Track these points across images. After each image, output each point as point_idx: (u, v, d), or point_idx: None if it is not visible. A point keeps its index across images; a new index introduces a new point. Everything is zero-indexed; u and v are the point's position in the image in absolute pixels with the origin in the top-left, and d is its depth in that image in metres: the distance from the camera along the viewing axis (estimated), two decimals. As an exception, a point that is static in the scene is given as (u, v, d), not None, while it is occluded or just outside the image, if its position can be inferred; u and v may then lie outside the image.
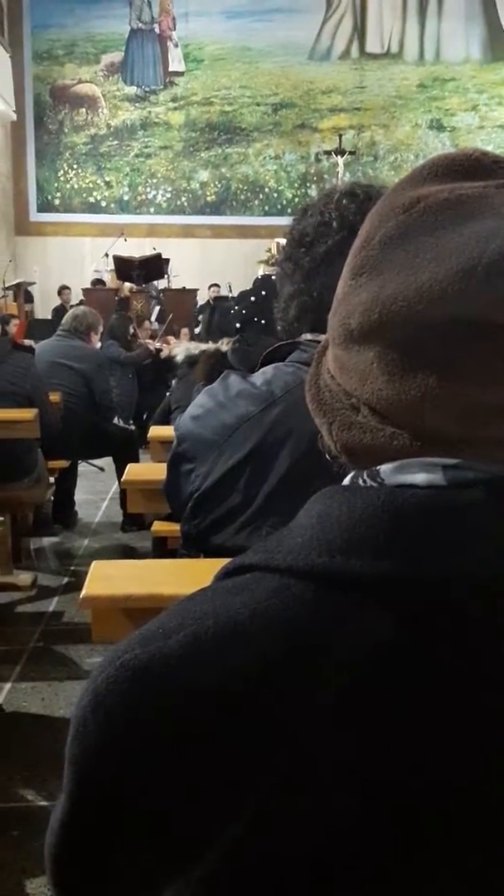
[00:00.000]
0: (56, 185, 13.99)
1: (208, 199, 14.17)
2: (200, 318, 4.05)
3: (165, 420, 4.39)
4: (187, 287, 10.98)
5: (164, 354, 7.52)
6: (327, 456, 0.53)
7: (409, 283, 0.45)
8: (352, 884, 0.43)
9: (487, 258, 0.44)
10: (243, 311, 2.52)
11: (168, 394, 4.89)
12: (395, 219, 0.48)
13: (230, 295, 9.92)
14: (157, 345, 7.87)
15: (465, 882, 0.43)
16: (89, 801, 0.48)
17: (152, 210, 14.11)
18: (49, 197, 13.97)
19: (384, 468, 0.48)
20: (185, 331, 8.81)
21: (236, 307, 2.66)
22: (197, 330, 8.60)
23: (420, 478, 0.47)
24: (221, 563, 0.52)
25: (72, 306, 7.92)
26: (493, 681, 0.44)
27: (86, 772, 0.47)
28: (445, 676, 0.44)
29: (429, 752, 0.43)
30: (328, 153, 13.16)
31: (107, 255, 11.02)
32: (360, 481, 0.50)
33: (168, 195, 14.14)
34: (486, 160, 0.50)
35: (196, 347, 3.32)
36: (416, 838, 0.43)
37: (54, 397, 4.22)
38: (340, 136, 13.18)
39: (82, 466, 5.29)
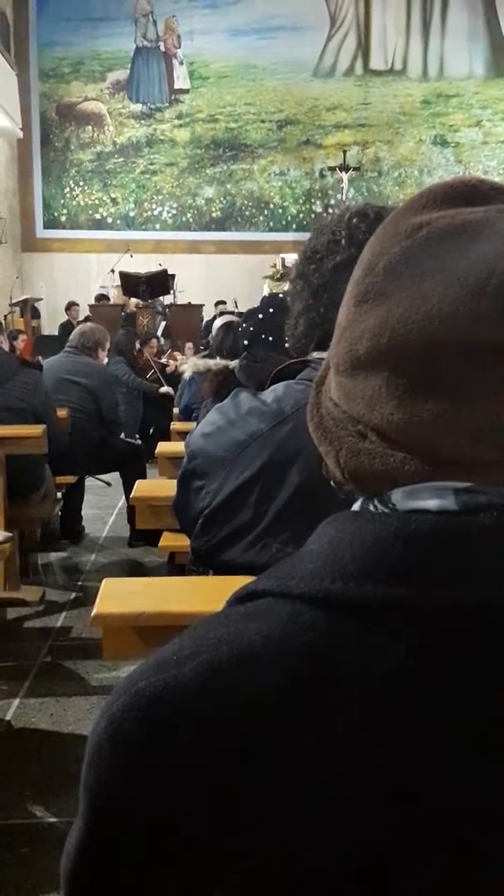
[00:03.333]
0: (62, 201, 14.07)
1: (213, 214, 14.24)
2: (212, 336, 4.06)
3: (189, 415, 4.33)
4: (193, 302, 11.03)
5: (170, 370, 7.54)
6: (332, 483, 0.53)
7: (417, 307, 0.45)
8: None
9: (497, 279, 0.44)
10: (251, 329, 2.53)
11: (179, 396, 4.86)
12: (398, 245, 0.48)
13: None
14: (164, 360, 7.90)
15: None
16: (105, 828, 0.48)
17: (158, 226, 14.18)
18: (55, 214, 14.06)
19: (396, 494, 0.48)
20: (189, 345, 8.83)
21: (244, 324, 2.66)
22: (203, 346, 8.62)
23: (432, 503, 0.46)
24: (232, 580, 0.52)
25: (79, 322, 7.95)
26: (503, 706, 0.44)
27: (101, 798, 0.47)
28: (458, 704, 0.44)
29: (444, 779, 0.43)
30: (332, 169, 13.23)
31: (113, 270, 11.07)
32: (371, 507, 0.49)
33: (173, 211, 14.21)
34: (483, 187, 0.51)
35: (204, 364, 3.33)
36: (431, 863, 0.43)
37: (62, 413, 4.23)
38: (345, 152, 13.24)
39: (89, 481, 5.29)
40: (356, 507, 0.52)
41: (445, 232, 0.47)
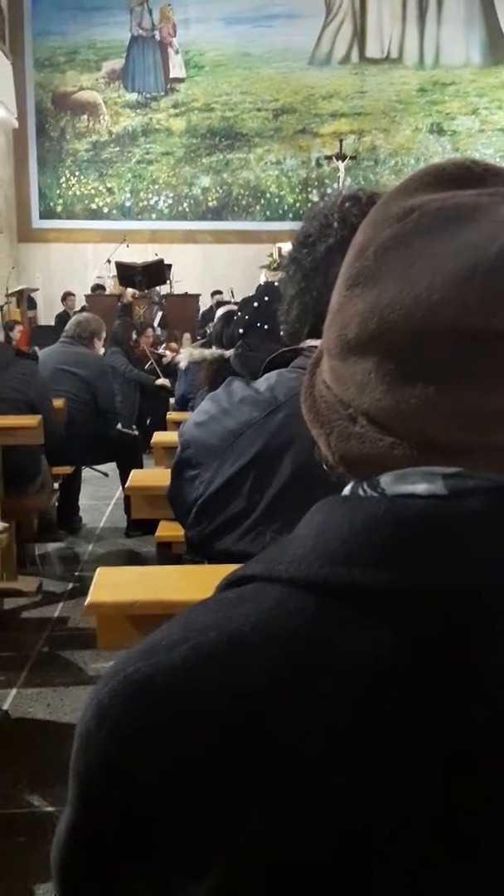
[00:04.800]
0: (58, 191, 14.01)
1: (210, 204, 14.18)
2: (210, 326, 4.05)
3: (185, 405, 4.36)
4: (189, 292, 11.00)
5: (166, 360, 7.53)
6: (324, 466, 0.53)
7: (406, 292, 0.45)
8: (355, 887, 0.44)
9: (485, 265, 0.44)
10: (246, 317, 2.52)
11: (177, 385, 4.88)
12: (389, 228, 0.48)
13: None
14: (160, 351, 7.88)
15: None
16: (94, 814, 0.48)
17: (154, 216, 14.13)
18: (51, 204, 13.99)
19: (384, 478, 0.48)
20: (186, 336, 8.82)
21: (239, 313, 2.65)
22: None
23: (421, 487, 0.46)
24: (226, 568, 0.52)
25: (75, 313, 7.93)
26: (496, 691, 0.44)
27: (90, 784, 0.47)
28: (447, 687, 0.44)
29: (434, 763, 0.43)
30: (329, 158, 13.18)
31: (109, 261, 11.04)
32: (361, 491, 0.50)
33: (170, 201, 14.16)
34: (476, 168, 0.50)
35: (199, 354, 3.32)
36: (421, 849, 0.43)
37: (58, 403, 4.23)
38: (341, 140, 13.19)
39: (86, 472, 5.29)
40: (346, 491, 0.51)
41: (437, 215, 0.47)
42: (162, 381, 7.13)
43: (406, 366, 0.46)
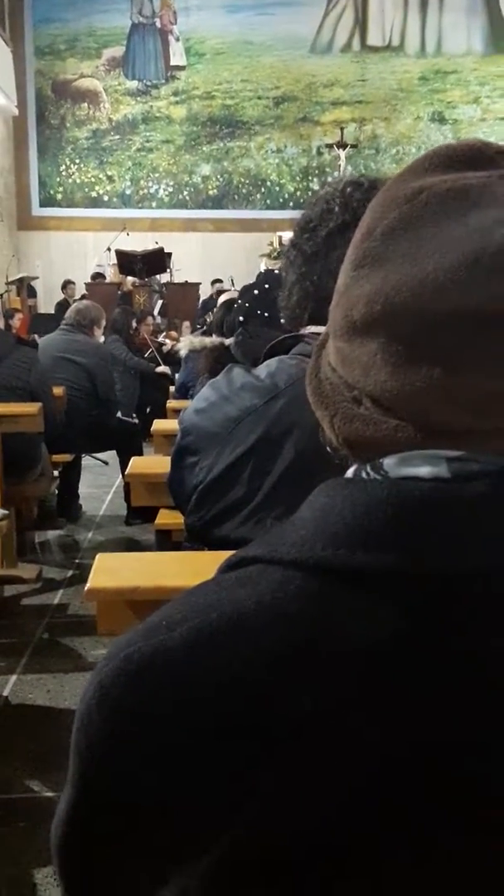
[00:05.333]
0: (58, 179, 13.94)
1: (210, 192, 14.12)
2: (211, 315, 4.06)
3: (185, 393, 4.37)
4: (189, 281, 10.96)
5: (166, 349, 7.52)
6: (328, 449, 0.53)
7: (413, 274, 0.45)
8: (354, 872, 0.43)
9: (493, 248, 0.43)
10: (246, 305, 2.52)
11: (177, 375, 4.89)
12: (397, 209, 0.48)
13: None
14: (161, 339, 7.87)
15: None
16: (94, 793, 0.48)
17: (154, 204, 14.07)
18: (51, 192, 13.93)
19: (388, 461, 0.48)
20: (186, 324, 8.80)
21: (239, 300, 2.65)
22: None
23: (424, 470, 0.46)
24: (226, 555, 0.52)
25: (75, 301, 7.92)
26: (498, 674, 0.44)
27: (90, 764, 0.47)
28: (451, 669, 0.44)
29: (438, 746, 0.43)
30: (330, 146, 13.10)
31: (109, 249, 11.00)
32: (364, 474, 0.49)
33: (170, 189, 14.09)
34: (487, 150, 0.50)
35: (200, 342, 3.31)
36: (424, 829, 0.43)
37: (58, 391, 4.22)
38: (342, 129, 13.11)
39: (86, 460, 5.29)
40: (349, 473, 0.51)
41: (445, 197, 0.46)
42: (162, 368, 7.12)
43: (411, 348, 0.45)
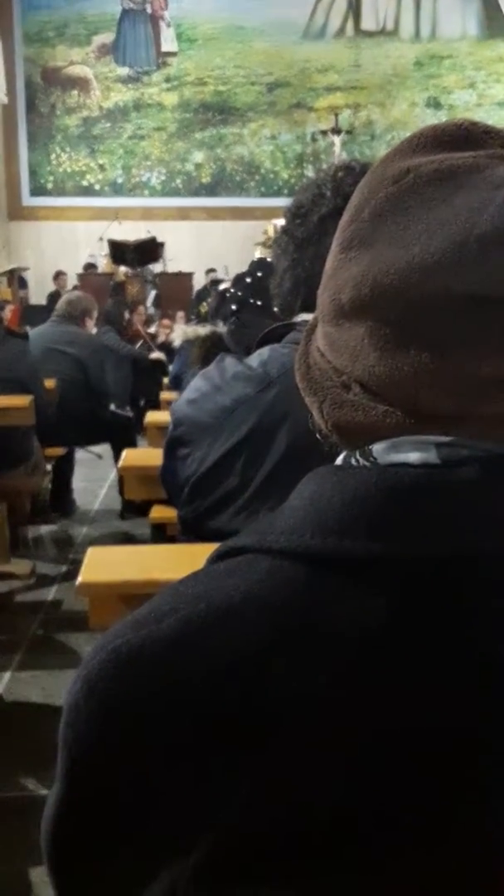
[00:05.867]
0: (49, 168, 13.89)
1: (203, 180, 14.08)
2: (206, 303, 4.08)
3: (178, 384, 4.35)
4: (183, 270, 10.93)
5: (160, 339, 7.50)
6: (318, 435, 0.52)
7: (400, 256, 0.44)
8: (347, 862, 0.43)
9: (479, 229, 0.43)
10: (239, 293, 2.50)
11: (171, 367, 4.87)
12: (384, 191, 0.47)
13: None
14: (153, 330, 7.84)
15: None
16: (83, 787, 0.48)
17: (147, 192, 14.03)
18: (42, 181, 13.88)
19: (377, 447, 0.48)
20: (180, 314, 8.77)
21: (232, 289, 2.62)
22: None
23: (413, 456, 0.46)
24: None
25: (67, 291, 7.89)
26: (491, 659, 0.43)
27: (79, 757, 0.47)
28: (442, 655, 0.43)
29: (427, 734, 0.43)
30: (324, 133, 13.08)
31: (101, 238, 10.96)
32: (353, 461, 0.49)
33: (162, 177, 14.05)
34: (475, 130, 0.49)
35: (193, 332, 3.29)
36: (410, 820, 0.42)
37: (49, 383, 4.20)
38: (336, 115, 13.08)
39: (80, 454, 5.27)
40: (338, 461, 0.51)
41: (432, 178, 0.46)
42: (157, 354, 7.10)
43: (400, 332, 0.45)
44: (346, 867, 0.42)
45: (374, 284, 0.45)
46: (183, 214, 13.68)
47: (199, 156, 14.05)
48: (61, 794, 0.49)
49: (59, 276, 11.34)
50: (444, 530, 0.44)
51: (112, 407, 5.28)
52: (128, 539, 4.52)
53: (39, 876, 1.98)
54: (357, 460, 0.49)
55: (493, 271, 0.42)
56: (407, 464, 0.46)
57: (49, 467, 4.54)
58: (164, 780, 0.44)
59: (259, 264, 2.95)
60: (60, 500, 4.92)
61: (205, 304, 5.34)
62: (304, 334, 0.55)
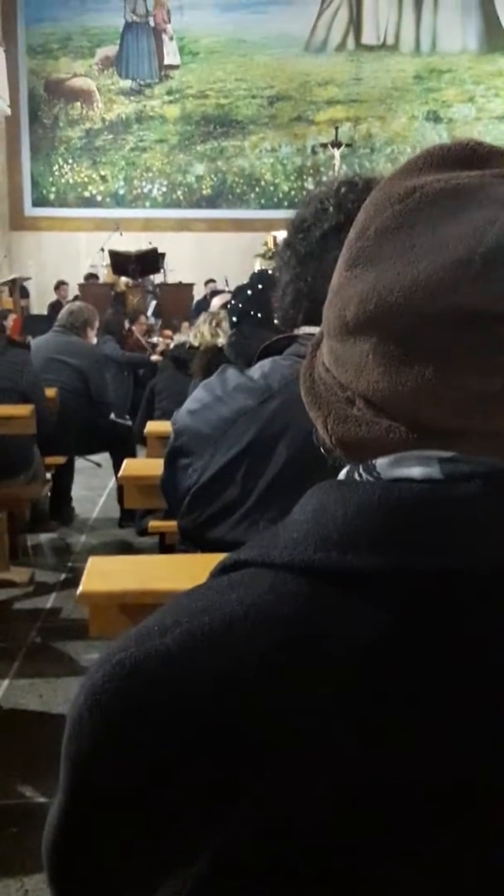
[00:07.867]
0: (51, 179, 13.94)
1: (204, 192, 14.13)
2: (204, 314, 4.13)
3: (150, 413, 4.40)
4: (183, 281, 10.96)
5: (160, 349, 7.51)
6: (322, 450, 0.53)
7: (405, 274, 0.45)
8: (348, 874, 0.43)
9: (485, 248, 0.43)
10: (240, 305, 2.51)
11: (149, 386, 4.92)
12: (390, 209, 0.48)
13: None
14: (155, 340, 7.86)
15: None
16: (86, 799, 0.48)
17: (148, 204, 14.07)
18: (44, 192, 13.93)
19: (380, 462, 0.48)
20: (185, 325, 8.80)
21: (233, 301, 2.64)
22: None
23: (416, 471, 0.46)
24: (219, 557, 0.52)
25: (68, 302, 7.91)
26: (494, 674, 0.43)
27: (82, 770, 0.47)
28: (444, 670, 0.44)
29: (428, 745, 0.43)
30: (324, 145, 13.13)
31: (102, 249, 10.99)
32: (356, 475, 0.49)
33: (164, 189, 14.10)
34: (481, 150, 0.50)
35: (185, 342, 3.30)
36: (415, 831, 0.42)
37: (50, 393, 4.21)
38: (337, 128, 13.13)
39: (79, 462, 5.27)
40: (342, 475, 0.51)
41: (438, 197, 0.46)
42: (157, 357, 7.11)
43: (404, 348, 0.45)
44: (346, 879, 0.42)
45: (379, 301, 0.45)
46: (184, 226, 13.72)
47: (200, 168, 14.11)
48: (63, 805, 0.49)
49: (60, 286, 11.35)
50: (446, 545, 0.44)
51: (112, 416, 5.29)
52: (126, 547, 4.51)
53: (36, 884, 1.97)
54: (360, 475, 0.49)
55: (497, 288, 0.43)
56: (410, 479, 0.46)
57: (49, 476, 4.55)
58: (167, 793, 0.44)
59: (260, 276, 2.97)
60: (60, 509, 4.91)
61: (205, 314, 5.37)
62: (309, 349, 0.56)
